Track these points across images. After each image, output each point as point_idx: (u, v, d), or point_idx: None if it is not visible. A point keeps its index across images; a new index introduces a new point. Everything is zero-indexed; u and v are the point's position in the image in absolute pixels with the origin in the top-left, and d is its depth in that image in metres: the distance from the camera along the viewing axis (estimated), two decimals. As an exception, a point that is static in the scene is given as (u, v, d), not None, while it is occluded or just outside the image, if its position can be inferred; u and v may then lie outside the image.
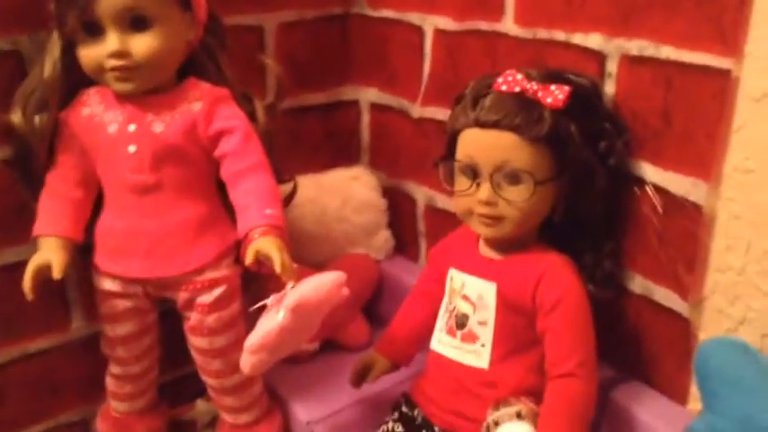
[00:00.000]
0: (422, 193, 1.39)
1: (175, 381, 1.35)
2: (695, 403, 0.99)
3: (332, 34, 1.41)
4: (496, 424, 0.94)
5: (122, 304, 1.11)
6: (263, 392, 1.21)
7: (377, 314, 1.42)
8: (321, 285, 0.99)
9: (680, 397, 1.01)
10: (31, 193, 1.10)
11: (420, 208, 1.40)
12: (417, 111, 1.33)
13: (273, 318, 0.98)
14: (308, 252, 1.35)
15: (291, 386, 1.27)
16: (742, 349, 0.89)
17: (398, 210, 1.45)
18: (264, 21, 1.30)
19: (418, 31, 1.29)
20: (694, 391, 0.99)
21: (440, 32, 1.25)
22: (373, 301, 1.43)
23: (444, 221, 1.35)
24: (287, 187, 1.19)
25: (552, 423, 0.91)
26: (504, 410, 0.95)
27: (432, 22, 1.26)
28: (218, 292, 1.10)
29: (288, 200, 1.19)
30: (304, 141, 1.44)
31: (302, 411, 1.22)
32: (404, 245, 1.46)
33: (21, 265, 1.13)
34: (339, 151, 1.49)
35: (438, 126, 1.29)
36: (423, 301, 1.15)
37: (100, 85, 1.06)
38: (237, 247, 1.13)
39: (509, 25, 1.12)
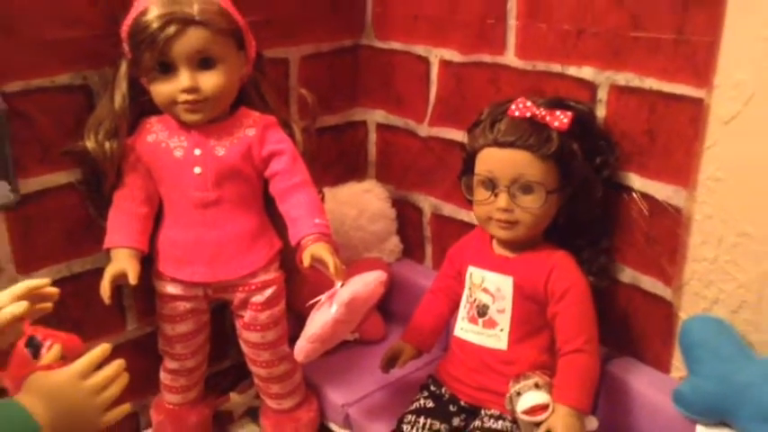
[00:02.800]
0: (428, 203, 1.57)
1: (209, 376, 1.49)
2: (677, 372, 1.19)
3: (344, 63, 1.58)
4: (519, 394, 1.13)
5: (183, 306, 1.27)
6: (302, 381, 1.38)
7: (389, 310, 1.60)
8: (368, 283, 1.16)
9: (664, 367, 1.21)
10: (97, 210, 1.25)
11: (426, 216, 1.59)
12: (425, 130, 1.51)
13: (327, 312, 1.15)
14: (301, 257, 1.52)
15: (323, 375, 1.43)
16: (718, 324, 1.10)
17: (406, 218, 1.63)
18: (289, 54, 1.47)
19: (424, 61, 1.48)
20: (676, 362, 1.19)
21: (446, 63, 1.44)
22: (386, 300, 1.60)
23: (448, 227, 1.54)
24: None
25: (567, 390, 1.10)
26: (523, 382, 1.13)
27: (437, 54, 1.45)
28: (268, 292, 1.26)
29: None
30: (318, 158, 1.60)
31: (337, 396, 1.39)
32: (411, 249, 1.64)
33: (86, 275, 1.28)
34: (348, 167, 1.66)
35: (444, 144, 1.48)
36: (441, 296, 1.33)
37: (160, 115, 1.22)
38: (282, 254, 1.31)
39: (510, 58, 1.31)
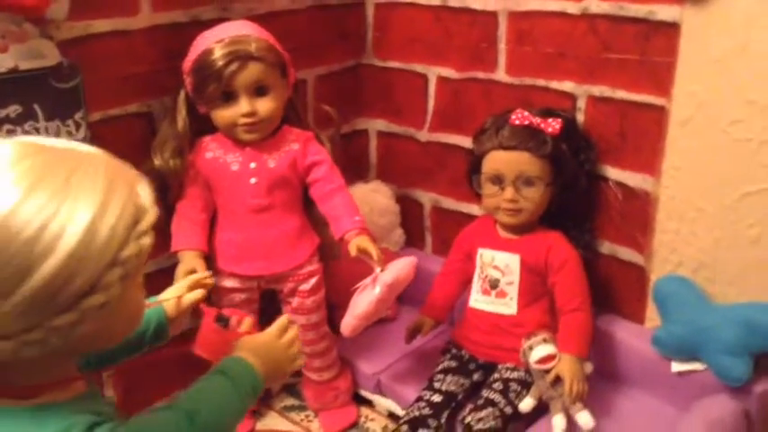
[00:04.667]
0: (428, 198, 1.83)
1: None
2: (650, 323, 1.49)
3: (348, 81, 1.82)
4: (531, 348, 1.39)
5: (239, 296, 1.48)
6: (338, 356, 1.61)
7: (397, 293, 1.84)
8: (404, 267, 1.41)
9: (640, 320, 1.51)
10: (162, 219, 1.45)
11: (427, 209, 1.84)
12: (425, 136, 1.77)
13: (371, 293, 1.39)
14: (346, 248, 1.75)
15: (353, 351, 1.67)
16: (683, 281, 1.40)
17: (407, 212, 1.87)
18: (307, 75, 1.70)
19: (422, 77, 1.73)
20: (649, 314, 1.48)
21: (443, 79, 1.69)
22: (394, 284, 1.84)
23: (447, 218, 1.80)
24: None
25: (569, 341, 1.37)
26: (534, 339, 1.40)
27: (435, 72, 1.70)
28: (313, 281, 1.50)
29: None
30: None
31: (368, 366, 1.63)
32: (413, 239, 1.89)
33: (153, 275, 1.48)
34: (354, 170, 1.89)
35: (443, 147, 1.74)
36: (451, 277, 1.58)
37: (212, 135, 1.43)
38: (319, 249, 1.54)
39: (501, 75, 1.58)
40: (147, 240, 0.68)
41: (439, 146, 1.75)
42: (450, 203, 1.78)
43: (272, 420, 1.64)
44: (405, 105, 1.80)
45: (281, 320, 0.94)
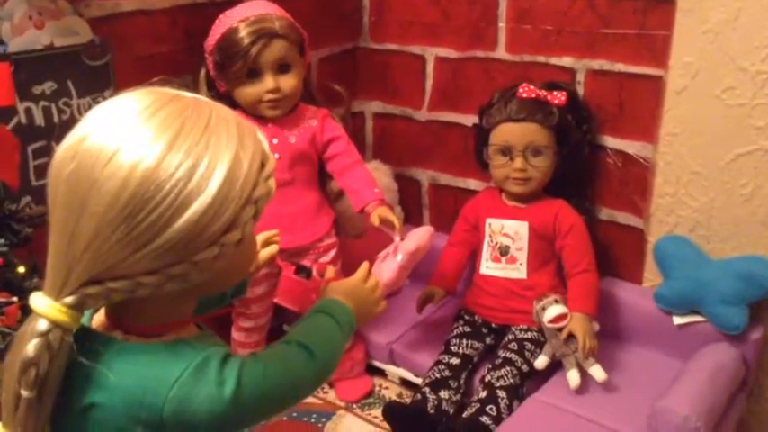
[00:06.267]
0: (426, 176, 1.89)
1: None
2: (648, 282, 1.59)
3: (345, 63, 1.87)
4: (543, 308, 1.47)
5: (262, 271, 1.52)
6: (353, 327, 1.66)
7: (399, 269, 1.91)
8: (424, 235, 1.47)
9: (638, 281, 1.61)
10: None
11: (424, 187, 1.91)
12: (424, 115, 1.83)
13: (393, 261, 1.45)
14: (350, 225, 1.81)
15: (364, 322, 1.72)
16: (682, 240, 1.50)
17: (404, 190, 1.94)
18: (312, 57, 1.74)
19: (420, 58, 1.80)
20: (647, 275, 1.59)
21: (441, 59, 1.76)
22: (395, 259, 1.90)
23: (445, 194, 1.87)
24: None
25: (580, 301, 1.46)
26: (546, 300, 1.48)
27: (432, 52, 1.77)
28: (332, 253, 1.55)
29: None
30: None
31: (381, 337, 1.68)
32: (409, 215, 1.96)
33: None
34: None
35: (442, 125, 1.81)
36: (459, 247, 1.65)
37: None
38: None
39: (501, 53, 1.66)
40: (272, 182, 0.73)
41: (438, 124, 1.82)
42: (447, 179, 1.85)
43: (287, 394, 1.68)
44: (402, 87, 1.86)
45: (363, 267, 0.99)
